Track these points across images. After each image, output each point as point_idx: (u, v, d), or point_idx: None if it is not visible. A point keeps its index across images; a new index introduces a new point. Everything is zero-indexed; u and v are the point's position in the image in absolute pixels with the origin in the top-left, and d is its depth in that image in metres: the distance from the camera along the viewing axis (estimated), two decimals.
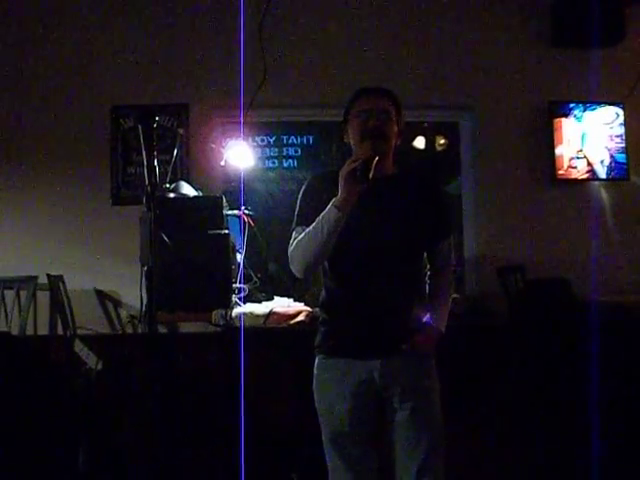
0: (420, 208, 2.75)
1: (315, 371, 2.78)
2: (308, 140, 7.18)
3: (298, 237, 2.67)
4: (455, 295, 3.03)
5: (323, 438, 2.74)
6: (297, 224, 2.73)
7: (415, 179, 2.86)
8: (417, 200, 2.77)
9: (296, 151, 7.18)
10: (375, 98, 2.75)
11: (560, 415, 3.91)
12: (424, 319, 2.75)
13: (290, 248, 2.70)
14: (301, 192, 2.81)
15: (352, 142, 2.76)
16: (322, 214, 2.55)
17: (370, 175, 2.47)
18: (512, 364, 3.91)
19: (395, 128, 2.74)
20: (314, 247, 2.60)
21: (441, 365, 2.79)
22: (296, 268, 2.71)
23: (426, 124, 6.74)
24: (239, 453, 3.16)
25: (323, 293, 2.82)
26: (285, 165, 7.17)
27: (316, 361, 2.78)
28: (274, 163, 7.13)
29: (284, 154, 7.16)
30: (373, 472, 2.73)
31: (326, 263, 2.74)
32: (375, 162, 2.50)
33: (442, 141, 6.90)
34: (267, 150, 7.12)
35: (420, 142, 6.93)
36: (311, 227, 2.59)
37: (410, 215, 2.72)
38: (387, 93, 2.78)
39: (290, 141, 7.17)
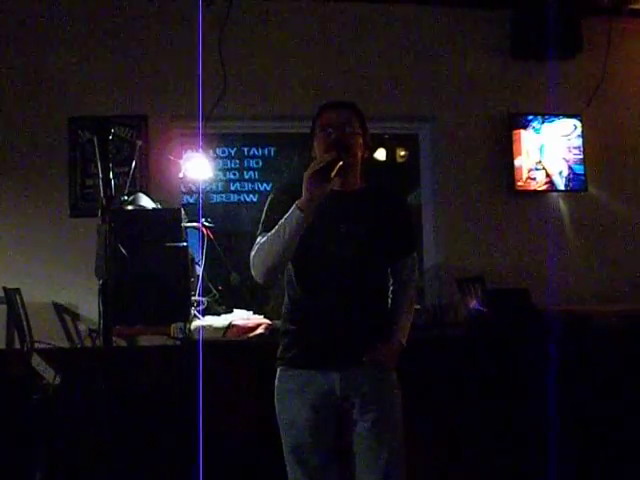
0: (386, 224, 2.77)
1: (276, 382, 2.77)
2: (269, 152, 7.19)
3: (260, 241, 2.66)
4: (417, 306, 3.04)
5: (284, 450, 2.73)
6: (262, 231, 2.72)
7: (382, 194, 2.88)
8: (383, 215, 2.78)
9: (257, 163, 7.18)
10: (338, 111, 2.77)
11: (519, 424, 3.93)
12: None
13: (252, 253, 2.69)
14: (267, 201, 2.81)
15: (317, 156, 2.76)
16: (284, 217, 2.55)
17: (333, 174, 2.48)
18: (472, 375, 3.92)
19: (360, 141, 2.76)
20: (275, 249, 2.59)
21: (402, 376, 2.79)
22: (257, 272, 2.69)
23: (386, 136, 6.77)
24: (198, 467, 3.14)
25: (287, 304, 2.81)
26: (246, 177, 7.16)
27: (277, 372, 2.77)
28: (235, 175, 7.12)
29: (245, 166, 7.16)
30: None
31: (292, 274, 2.75)
32: (339, 165, 2.50)
33: (402, 153, 6.94)
34: (228, 162, 7.11)
35: (381, 154, 6.96)
36: (273, 230, 2.59)
37: (376, 230, 2.74)
38: (350, 106, 2.80)
39: (251, 153, 7.16)
